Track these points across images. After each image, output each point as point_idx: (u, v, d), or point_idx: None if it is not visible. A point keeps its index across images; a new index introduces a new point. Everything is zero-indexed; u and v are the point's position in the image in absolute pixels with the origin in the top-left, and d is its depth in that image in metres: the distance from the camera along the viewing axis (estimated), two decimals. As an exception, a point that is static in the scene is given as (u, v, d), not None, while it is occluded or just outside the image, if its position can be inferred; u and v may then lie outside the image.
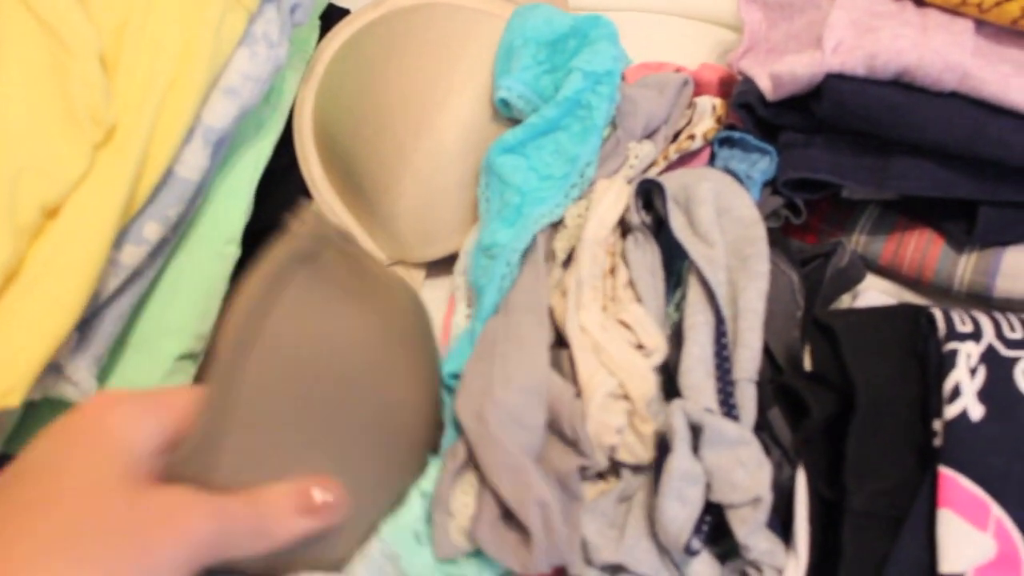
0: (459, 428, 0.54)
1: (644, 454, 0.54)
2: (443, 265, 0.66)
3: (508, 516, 0.52)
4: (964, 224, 0.62)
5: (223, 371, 0.44)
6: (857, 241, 0.66)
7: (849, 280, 0.64)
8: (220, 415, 0.43)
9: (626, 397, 0.55)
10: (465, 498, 0.54)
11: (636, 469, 0.55)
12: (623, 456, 0.54)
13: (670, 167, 0.65)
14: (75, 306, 0.52)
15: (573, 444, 0.54)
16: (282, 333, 0.46)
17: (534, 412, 0.53)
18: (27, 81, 0.54)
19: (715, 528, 0.54)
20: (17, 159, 0.53)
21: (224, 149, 0.61)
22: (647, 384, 0.54)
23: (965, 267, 0.63)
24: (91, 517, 0.38)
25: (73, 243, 0.53)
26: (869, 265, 0.66)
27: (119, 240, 0.55)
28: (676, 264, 0.60)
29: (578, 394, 0.55)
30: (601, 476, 0.56)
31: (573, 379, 0.55)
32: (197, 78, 0.56)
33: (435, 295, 0.66)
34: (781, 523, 0.56)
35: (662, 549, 0.53)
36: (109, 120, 0.54)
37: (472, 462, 0.54)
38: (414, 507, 0.54)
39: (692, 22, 0.79)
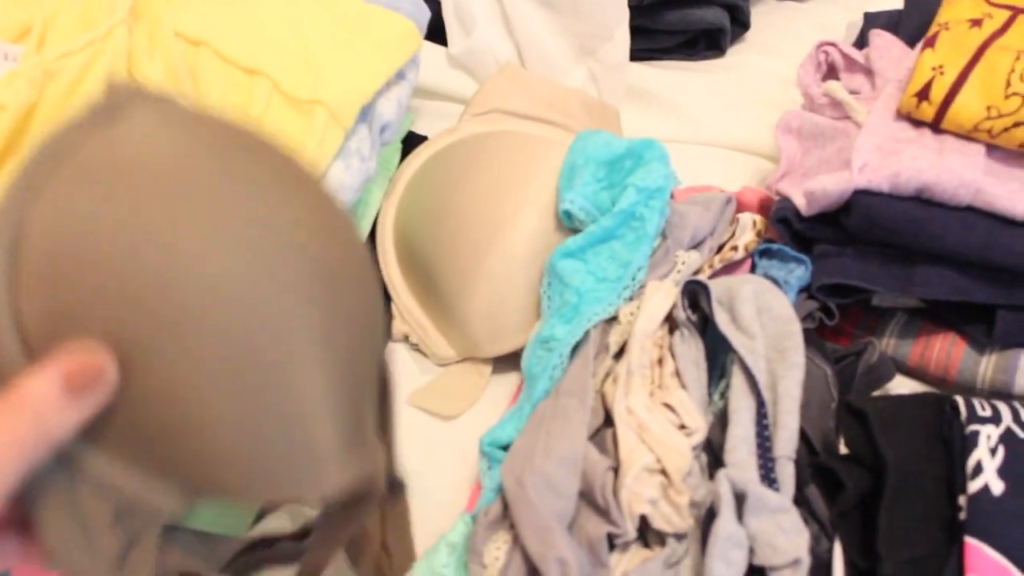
0: (499, 489, 0.61)
1: (680, 523, 0.59)
2: (508, 361, 0.73)
3: (534, 572, 0.57)
4: (984, 327, 0.68)
5: None
6: (887, 344, 0.71)
7: (879, 378, 0.70)
8: None
9: (663, 472, 0.60)
10: (498, 552, 0.59)
11: (679, 537, 0.60)
12: (659, 524, 0.59)
13: (715, 275, 0.71)
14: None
15: (604, 512, 0.59)
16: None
17: (569, 481, 0.59)
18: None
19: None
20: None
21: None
22: (684, 459, 0.60)
23: (987, 367, 0.68)
24: None
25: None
26: (898, 367, 0.71)
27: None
28: (719, 358, 0.66)
29: (616, 467, 0.61)
30: (647, 544, 0.61)
31: (615, 455, 0.61)
32: (300, 184, 0.65)
33: (500, 390, 0.72)
34: (821, 594, 0.60)
35: (710, 611, 0.58)
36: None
37: (507, 520, 0.60)
38: (440, 554, 0.60)
39: (734, 152, 0.87)
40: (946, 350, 0.69)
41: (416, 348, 0.75)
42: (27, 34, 0.67)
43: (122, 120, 0.39)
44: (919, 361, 0.70)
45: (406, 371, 0.73)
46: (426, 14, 0.78)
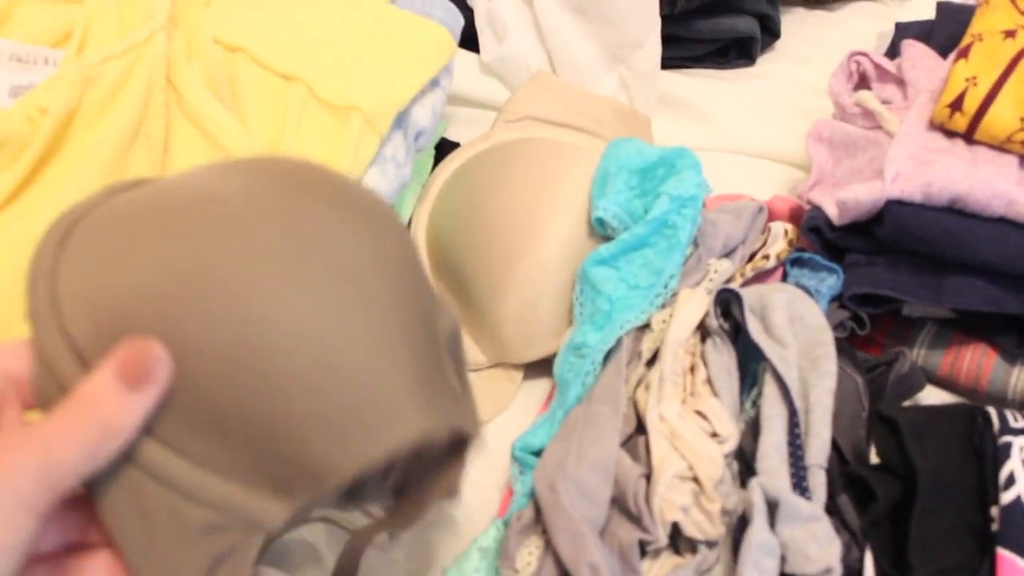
0: (530, 495, 0.62)
1: (712, 530, 0.59)
2: (539, 367, 0.73)
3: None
4: (1016, 338, 0.68)
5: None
6: (917, 355, 0.71)
7: (910, 388, 0.70)
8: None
9: (695, 479, 0.61)
10: (530, 557, 0.59)
11: (711, 545, 0.61)
12: (691, 532, 0.59)
13: (746, 283, 0.72)
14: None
15: (636, 519, 0.59)
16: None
17: (601, 488, 0.60)
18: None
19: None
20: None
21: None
22: (715, 467, 0.60)
23: (1018, 378, 0.68)
24: None
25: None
26: (929, 377, 0.71)
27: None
28: (751, 366, 0.67)
29: (648, 475, 0.61)
30: (678, 551, 0.62)
31: (647, 462, 0.62)
32: (336, 190, 0.65)
33: (532, 396, 0.73)
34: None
35: (741, 618, 0.58)
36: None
37: (539, 526, 0.60)
38: (472, 558, 0.60)
39: (765, 161, 0.88)
40: (977, 361, 0.69)
41: (448, 353, 0.75)
42: (67, 39, 0.68)
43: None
44: (950, 371, 0.70)
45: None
46: (459, 21, 0.78)
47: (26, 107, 0.61)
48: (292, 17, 0.72)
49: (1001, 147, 0.69)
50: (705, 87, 0.94)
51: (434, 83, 0.73)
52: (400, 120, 0.70)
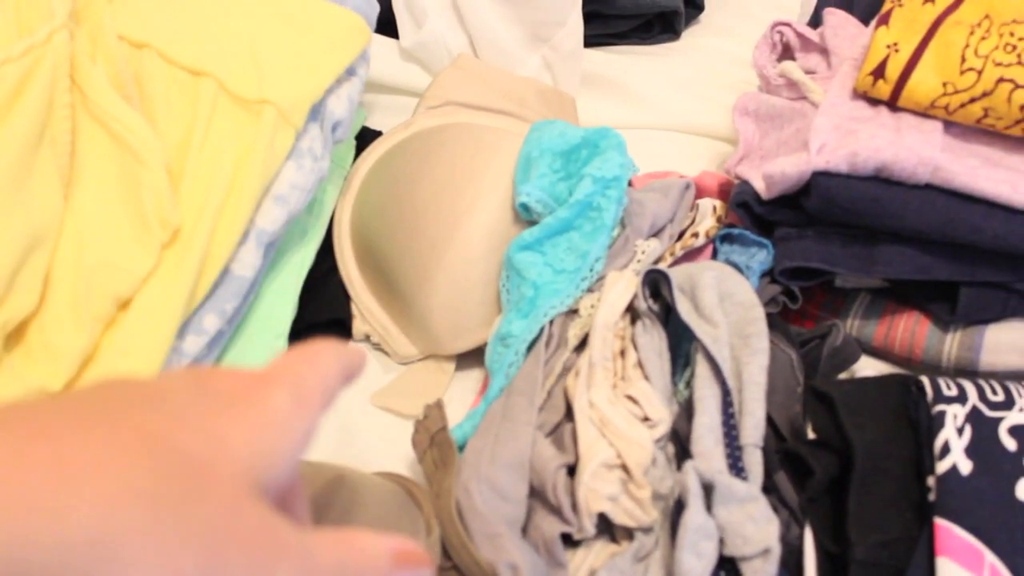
0: None
1: (643, 517, 0.58)
2: (472, 357, 0.72)
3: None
4: (948, 305, 0.68)
5: None
6: (851, 326, 0.71)
7: (845, 360, 0.69)
8: None
9: (623, 467, 0.60)
10: None
11: (647, 531, 0.60)
12: (622, 520, 0.58)
13: (676, 263, 0.71)
14: (143, 387, 0.58)
15: (557, 511, 0.58)
16: None
17: (516, 485, 0.58)
18: (103, 188, 0.62)
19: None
20: (93, 257, 0.59)
21: (273, 251, 0.67)
22: (645, 453, 0.59)
23: (951, 345, 0.68)
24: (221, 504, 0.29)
25: (142, 332, 0.59)
26: (863, 348, 0.71)
27: (182, 330, 0.61)
28: (683, 347, 0.66)
29: (573, 464, 0.60)
30: (614, 539, 0.61)
31: (574, 451, 0.61)
32: (251, 186, 0.63)
33: (464, 385, 0.72)
34: (793, 581, 0.60)
35: (682, 602, 0.58)
36: (174, 222, 0.61)
37: None
38: None
39: (692, 136, 0.87)
40: (910, 329, 0.69)
41: (378, 347, 0.74)
42: (-41, 43, 0.65)
43: None
44: (884, 341, 0.70)
45: (368, 371, 0.72)
46: (375, 8, 0.77)
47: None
48: (200, 10, 0.69)
49: (925, 113, 0.68)
50: (630, 64, 0.93)
51: (350, 72, 0.72)
52: (315, 112, 0.68)
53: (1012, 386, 0.62)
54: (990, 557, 0.56)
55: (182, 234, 0.62)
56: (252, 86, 0.66)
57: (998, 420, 0.60)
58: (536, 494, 0.60)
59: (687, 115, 0.88)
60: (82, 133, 0.64)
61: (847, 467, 0.61)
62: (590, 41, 0.91)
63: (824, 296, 0.73)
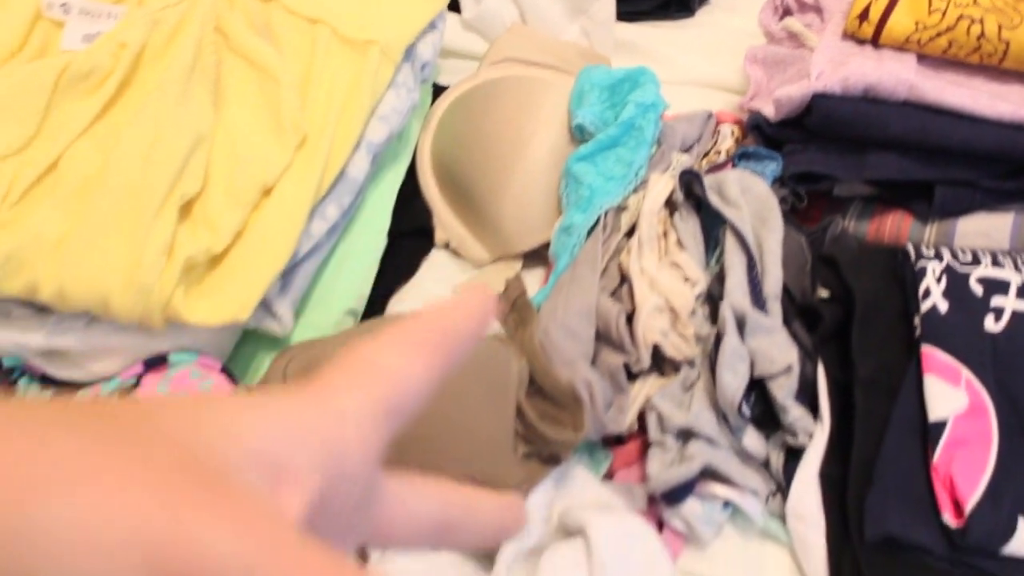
0: None
1: (688, 351, 0.73)
2: (534, 258, 0.87)
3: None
4: (926, 202, 0.83)
5: None
6: (848, 226, 0.86)
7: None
8: None
9: (671, 310, 0.74)
10: None
11: (691, 365, 0.74)
12: (671, 352, 0.73)
13: (702, 177, 0.86)
14: (284, 255, 0.72)
15: (619, 347, 0.73)
16: None
17: (586, 328, 0.73)
18: (246, 104, 0.77)
19: (760, 415, 0.72)
20: (243, 154, 0.74)
21: (376, 164, 0.82)
22: (687, 300, 0.74)
23: (930, 235, 0.83)
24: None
25: (280, 214, 0.74)
26: (858, 243, 0.86)
27: (310, 215, 0.76)
28: (712, 233, 0.80)
29: (630, 313, 0.74)
30: (663, 374, 0.75)
31: (630, 304, 0.75)
32: (361, 106, 0.79)
33: (529, 281, 0.86)
34: (809, 407, 0.74)
35: (720, 418, 0.71)
36: (304, 129, 0.76)
37: None
38: None
39: (707, 90, 1.02)
40: (896, 224, 0.84)
41: (456, 253, 0.88)
42: (125, -2, 0.81)
43: None
44: (875, 236, 0.85)
45: (448, 273, 0.87)
46: (446, -18, 0.93)
47: (108, 43, 0.74)
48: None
49: (901, 48, 0.84)
50: (654, 33, 1.08)
51: (432, 25, 0.87)
52: (408, 53, 0.84)
53: (978, 251, 0.77)
54: (965, 372, 0.70)
55: (309, 140, 0.77)
56: (360, 29, 0.81)
57: (968, 273, 0.74)
58: (601, 337, 0.74)
59: (703, 73, 1.03)
60: (225, 65, 0.79)
61: (850, 317, 0.75)
62: (618, 17, 1.07)
63: (825, 203, 0.88)
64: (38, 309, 0.72)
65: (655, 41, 1.05)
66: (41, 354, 0.72)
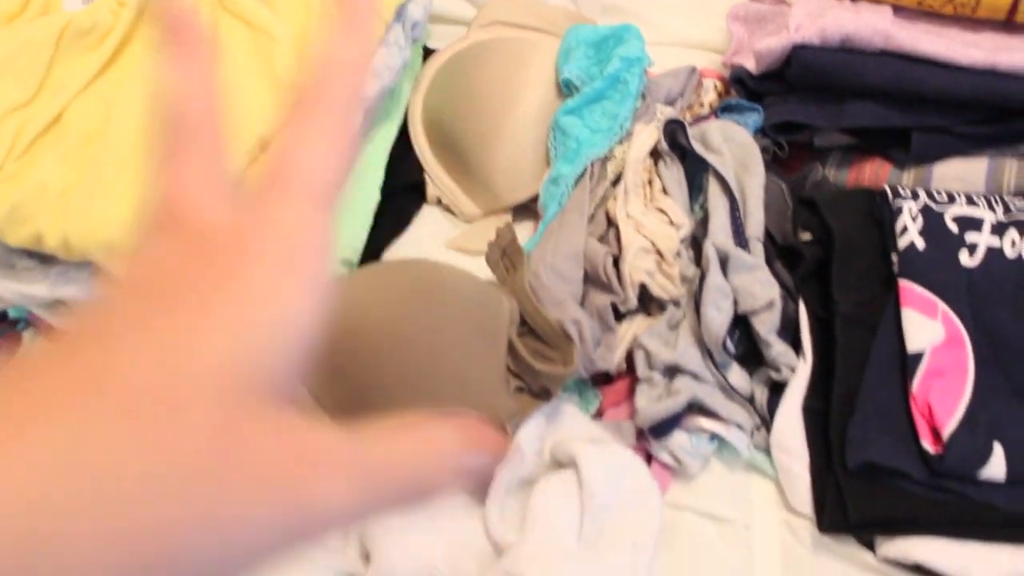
0: None
1: (674, 290, 0.75)
2: (523, 211, 0.89)
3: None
4: (903, 149, 0.85)
5: None
6: (829, 174, 0.88)
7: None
8: None
9: (657, 251, 0.76)
10: None
11: (676, 304, 0.76)
12: (657, 292, 0.75)
13: (686, 130, 0.88)
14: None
15: (607, 287, 0.75)
16: None
17: (573, 269, 0.76)
18: (242, 62, 0.79)
19: (744, 353, 0.75)
20: (240, 107, 0.77)
21: (370, 121, 0.85)
22: (672, 241, 0.76)
23: (908, 180, 0.85)
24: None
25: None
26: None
27: (306, 167, 0.78)
28: (696, 180, 0.83)
29: (616, 256, 0.77)
30: (649, 314, 0.77)
31: (617, 247, 0.77)
32: (354, 62, 0.81)
33: (519, 234, 0.88)
34: (792, 344, 0.76)
35: (706, 355, 0.74)
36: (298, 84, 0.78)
37: None
38: None
39: (691, 50, 1.04)
40: (875, 171, 0.86)
41: (447, 209, 0.91)
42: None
43: None
44: (855, 184, 0.87)
45: (440, 228, 0.89)
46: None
47: (108, 2, 0.76)
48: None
49: (877, 1, 0.86)
50: (638, -2, 1.11)
51: (422, -13, 0.90)
52: (399, 13, 0.86)
53: (953, 192, 0.80)
54: (942, 305, 0.73)
55: (305, 95, 0.79)
56: (351, -11, 0.84)
57: (943, 212, 0.77)
58: (589, 279, 0.76)
59: (688, 35, 1.05)
60: (222, 24, 0.81)
61: (830, 256, 0.78)
62: (604, -16, 1.09)
63: (806, 153, 0.90)
64: (42, 260, 0.74)
65: (641, 4, 1.07)
66: (45, 305, 0.74)
